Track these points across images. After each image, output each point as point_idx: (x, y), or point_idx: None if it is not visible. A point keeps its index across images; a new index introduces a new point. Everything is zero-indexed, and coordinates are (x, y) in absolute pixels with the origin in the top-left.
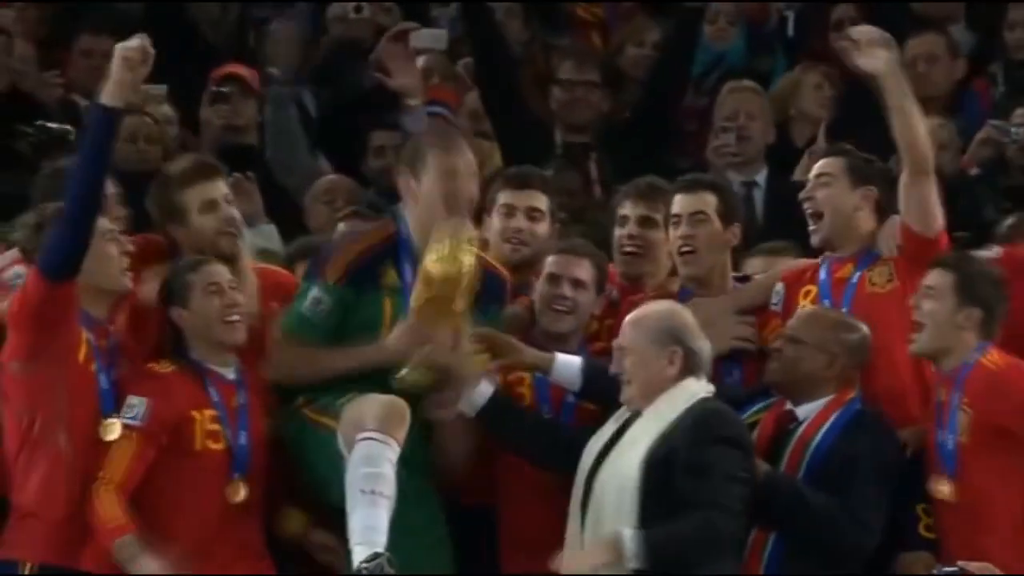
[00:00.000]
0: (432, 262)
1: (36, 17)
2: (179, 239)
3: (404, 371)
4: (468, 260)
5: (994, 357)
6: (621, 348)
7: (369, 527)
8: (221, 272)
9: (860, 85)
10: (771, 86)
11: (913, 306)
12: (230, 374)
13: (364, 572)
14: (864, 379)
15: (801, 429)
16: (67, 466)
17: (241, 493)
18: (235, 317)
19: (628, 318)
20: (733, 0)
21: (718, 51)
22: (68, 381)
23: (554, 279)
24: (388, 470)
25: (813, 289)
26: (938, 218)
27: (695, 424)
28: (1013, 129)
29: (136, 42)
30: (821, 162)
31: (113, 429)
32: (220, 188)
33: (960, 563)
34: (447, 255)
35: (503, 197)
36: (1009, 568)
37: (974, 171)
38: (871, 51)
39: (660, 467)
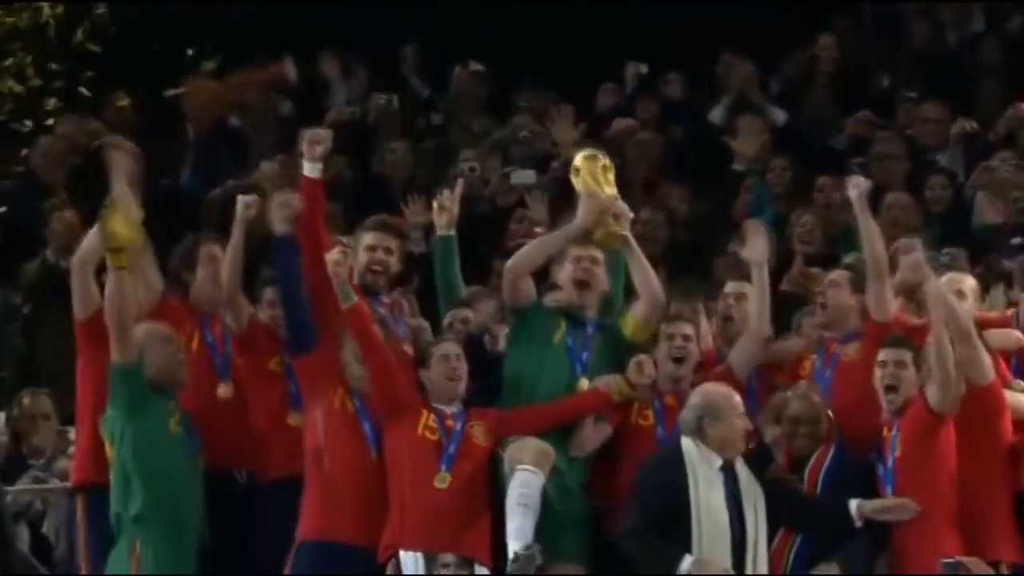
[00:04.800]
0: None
1: None
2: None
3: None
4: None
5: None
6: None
7: (521, 529)
8: (451, 347)
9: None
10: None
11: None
12: (450, 409)
13: (521, 555)
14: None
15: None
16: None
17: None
18: (456, 377)
19: None
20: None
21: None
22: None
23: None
24: (535, 492)
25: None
26: (891, 308)
27: None
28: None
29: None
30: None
31: None
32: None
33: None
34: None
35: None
36: None
37: None
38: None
39: None
